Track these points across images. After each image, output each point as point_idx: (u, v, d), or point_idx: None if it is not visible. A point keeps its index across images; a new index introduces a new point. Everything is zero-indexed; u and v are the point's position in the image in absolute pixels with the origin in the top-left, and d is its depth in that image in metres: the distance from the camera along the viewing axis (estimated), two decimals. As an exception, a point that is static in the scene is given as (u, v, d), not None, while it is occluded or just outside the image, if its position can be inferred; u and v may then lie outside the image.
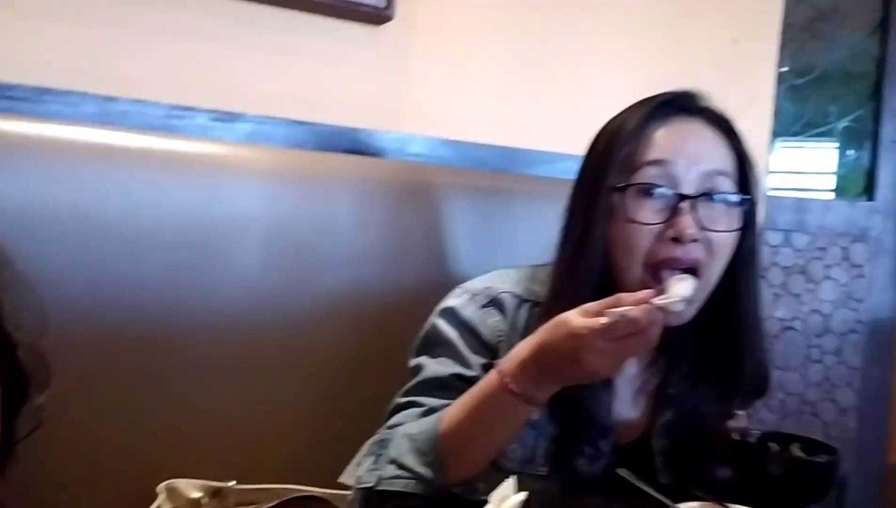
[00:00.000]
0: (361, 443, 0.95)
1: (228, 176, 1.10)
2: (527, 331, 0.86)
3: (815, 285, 2.36)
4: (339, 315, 1.13)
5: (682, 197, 0.87)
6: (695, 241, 0.87)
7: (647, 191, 0.88)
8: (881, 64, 2.39)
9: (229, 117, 1.18)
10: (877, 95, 2.39)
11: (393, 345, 1.03)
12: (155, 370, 1.04)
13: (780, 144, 2.37)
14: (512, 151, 1.44)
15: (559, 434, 0.92)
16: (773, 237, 2.30)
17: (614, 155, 0.90)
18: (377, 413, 0.96)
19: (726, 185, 0.90)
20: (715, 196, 0.89)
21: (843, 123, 2.40)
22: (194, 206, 1.06)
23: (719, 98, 1.86)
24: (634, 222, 0.87)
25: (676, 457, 0.96)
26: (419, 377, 0.94)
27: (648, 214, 0.88)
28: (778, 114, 2.28)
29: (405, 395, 0.94)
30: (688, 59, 1.75)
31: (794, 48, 2.34)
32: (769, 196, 2.31)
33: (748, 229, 0.92)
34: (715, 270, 0.90)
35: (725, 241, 0.89)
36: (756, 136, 1.88)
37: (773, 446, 0.92)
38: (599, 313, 0.76)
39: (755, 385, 0.98)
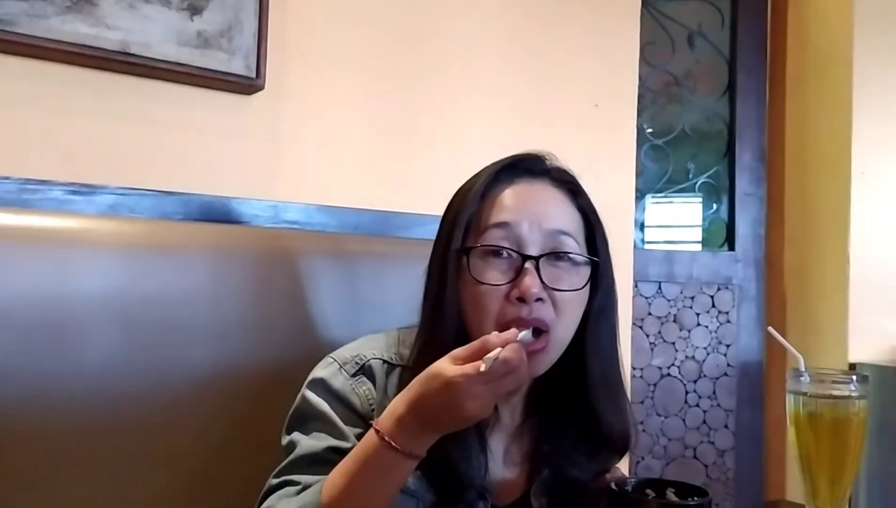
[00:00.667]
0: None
1: (87, 250, 1.04)
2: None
3: (687, 332, 2.47)
4: (210, 392, 1.08)
5: (527, 258, 0.89)
6: (540, 300, 0.88)
7: (492, 253, 0.89)
8: (731, 124, 2.58)
9: (88, 190, 1.14)
10: (730, 152, 2.58)
11: (267, 419, 0.99)
12: (7, 463, 0.96)
13: (651, 200, 2.50)
14: (387, 214, 1.45)
15: (437, 501, 0.90)
16: (646, 289, 2.40)
17: (462, 218, 0.92)
18: (253, 493, 0.92)
19: (571, 244, 0.91)
20: (559, 256, 0.90)
21: (701, 179, 2.57)
22: (50, 283, 1.00)
23: (584, 158, 1.95)
24: (481, 283, 0.88)
25: None
26: (293, 455, 0.90)
27: (495, 275, 0.89)
28: (643, 172, 2.42)
29: (278, 475, 0.90)
30: (553, 122, 1.84)
31: (653, 111, 2.50)
32: (643, 250, 2.43)
33: (597, 286, 0.94)
34: (564, 327, 0.91)
35: (571, 299, 0.90)
36: (622, 192, 1.99)
37: (649, 492, 0.94)
38: (469, 359, 0.77)
39: (618, 442, 0.98)
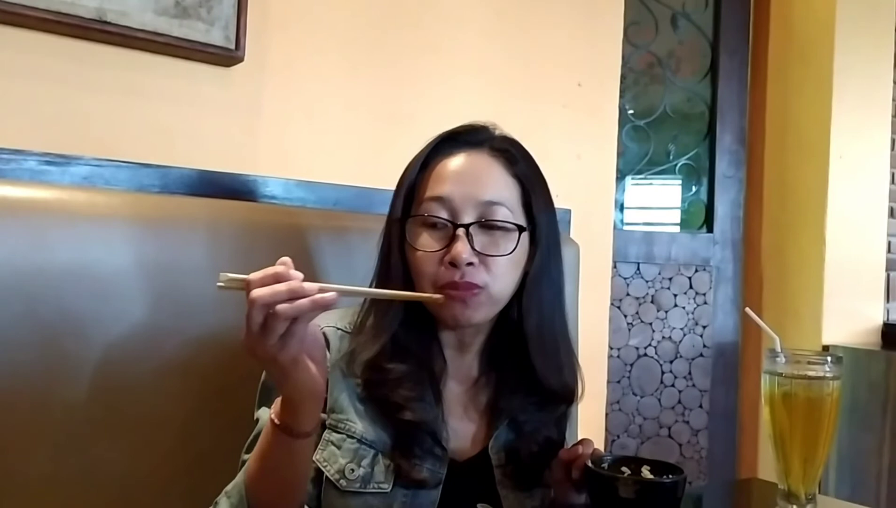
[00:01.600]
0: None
1: (62, 222, 1.03)
2: None
3: (664, 313, 2.49)
4: (195, 365, 1.09)
5: (458, 226, 0.94)
6: (472, 264, 0.93)
7: (428, 222, 0.96)
8: (713, 106, 2.59)
9: (63, 161, 1.12)
10: (710, 134, 2.59)
11: (236, 393, 1.01)
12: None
13: (631, 181, 2.51)
14: (368, 191, 1.44)
15: (394, 447, 0.94)
16: (625, 269, 2.42)
17: (403, 189, 0.99)
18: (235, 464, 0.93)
19: (503, 213, 0.96)
20: (490, 224, 0.96)
21: (682, 161, 2.58)
22: (24, 254, 0.99)
23: (566, 137, 1.95)
24: (418, 250, 0.95)
25: (514, 469, 1.00)
26: (256, 429, 0.94)
27: (430, 242, 0.95)
28: (624, 153, 2.42)
29: (248, 450, 0.94)
30: (536, 101, 1.83)
31: (635, 91, 2.49)
32: (622, 230, 2.43)
33: (537, 248, 1.00)
34: (500, 286, 0.96)
35: (505, 262, 0.96)
36: (604, 172, 1.99)
37: (625, 470, 0.95)
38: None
39: (559, 395, 1.03)
